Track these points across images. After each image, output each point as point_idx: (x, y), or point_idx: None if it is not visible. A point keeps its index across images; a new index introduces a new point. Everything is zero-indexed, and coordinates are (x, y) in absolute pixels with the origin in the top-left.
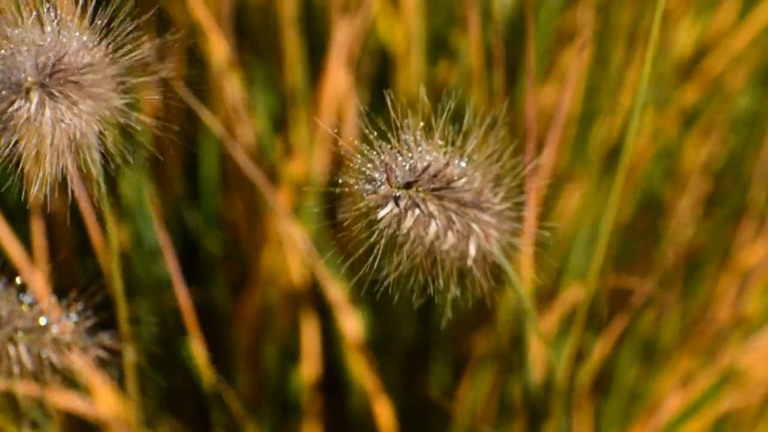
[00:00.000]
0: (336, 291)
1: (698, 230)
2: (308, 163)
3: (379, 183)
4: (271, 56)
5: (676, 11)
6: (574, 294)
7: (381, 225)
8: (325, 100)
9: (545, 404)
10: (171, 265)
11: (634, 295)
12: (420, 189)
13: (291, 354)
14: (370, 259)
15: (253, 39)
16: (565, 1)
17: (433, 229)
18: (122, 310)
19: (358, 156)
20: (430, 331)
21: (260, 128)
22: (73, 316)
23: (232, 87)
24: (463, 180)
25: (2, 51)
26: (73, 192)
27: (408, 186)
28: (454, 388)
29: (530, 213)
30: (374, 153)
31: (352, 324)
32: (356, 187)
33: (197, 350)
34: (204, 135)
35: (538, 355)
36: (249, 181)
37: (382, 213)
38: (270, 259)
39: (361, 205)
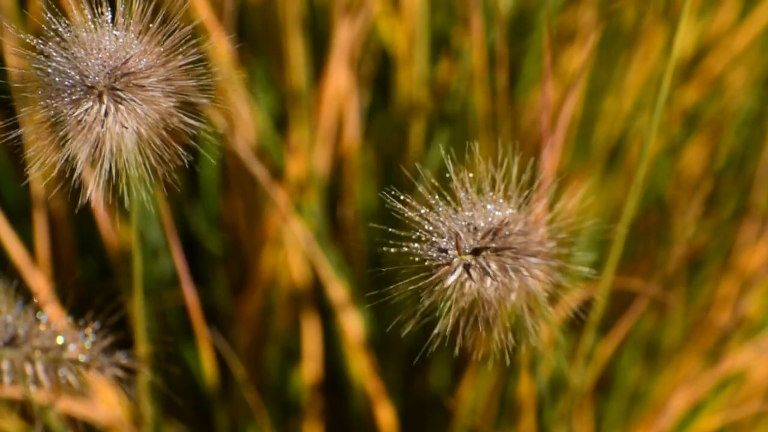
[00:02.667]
0: (337, 291)
1: (700, 231)
2: (309, 162)
3: (450, 253)
4: (272, 56)
5: (676, 11)
6: (577, 295)
7: (449, 290)
8: (327, 100)
9: (552, 405)
10: (178, 263)
11: (638, 297)
12: (487, 254)
13: (292, 354)
14: (422, 313)
15: (254, 39)
16: (565, 1)
17: (490, 281)
18: (140, 335)
19: (423, 221)
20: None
21: (261, 127)
22: (90, 335)
23: (233, 86)
24: (517, 230)
25: (76, 53)
26: (80, 191)
27: (476, 252)
28: (454, 388)
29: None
30: (436, 216)
31: (353, 324)
32: (424, 255)
33: (204, 350)
34: (205, 134)
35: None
36: (249, 180)
37: (450, 279)
38: (270, 259)
39: (434, 276)
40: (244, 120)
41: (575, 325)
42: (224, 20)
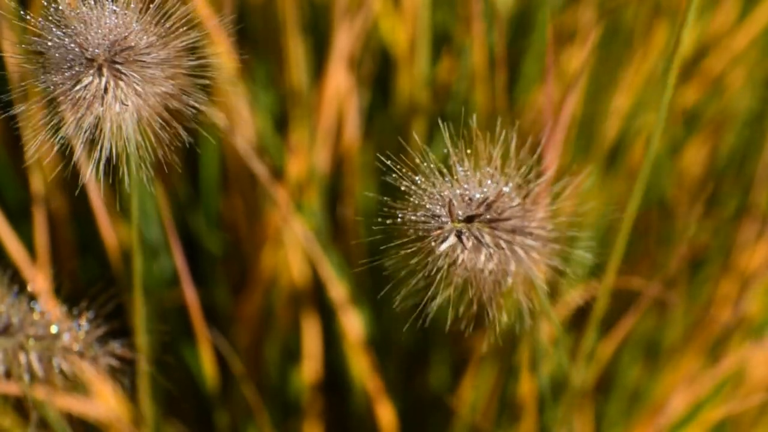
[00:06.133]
0: (337, 290)
1: (700, 230)
2: (309, 162)
3: (442, 218)
4: (272, 56)
5: (676, 11)
6: (577, 295)
7: (440, 257)
8: (327, 100)
9: (553, 405)
10: (179, 263)
11: (640, 297)
12: (480, 222)
13: (292, 354)
14: (415, 286)
15: (254, 39)
16: (565, 1)
17: (483, 255)
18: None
19: (416, 188)
20: (430, 331)
21: (261, 127)
22: (84, 325)
23: (233, 86)
24: (513, 206)
25: (76, 28)
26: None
27: (469, 220)
28: (454, 388)
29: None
30: (431, 185)
31: (353, 323)
32: (417, 221)
33: (204, 350)
34: (205, 134)
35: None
36: (249, 180)
37: (443, 246)
38: (270, 258)
39: (427, 241)
40: (244, 120)
41: (575, 324)
42: (224, 20)
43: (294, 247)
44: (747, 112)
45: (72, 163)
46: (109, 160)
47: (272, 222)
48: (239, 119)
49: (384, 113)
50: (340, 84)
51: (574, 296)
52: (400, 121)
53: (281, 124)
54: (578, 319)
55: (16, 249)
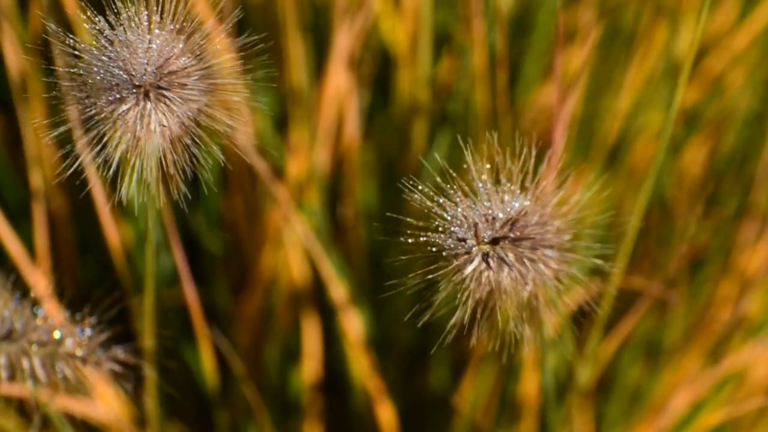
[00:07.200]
0: (337, 290)
1: (700, 231)
2: (310, 162)
3: (468, 242)
4: (272, 56)
5: (676, 11)
6: (577, 295)
7: (467, 279)
8: (327, 100)
9: (555, 404)
10: (179, 263)
11: (640, 297)
12: (505, 244)
13: (292, 354)
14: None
15: (254, 39)
16: (565, 1)
17: (506, 271)
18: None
19: (439, 211)
20: (430, 331)
21: (261, 127)
22: (87, 330)
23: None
24: (533, 221)
25: (120, 52)
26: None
27: (494, 242)
28: (454, 388)
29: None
30: (454, 206)
31: (353, 323)
32: (442, 244)
33: (204, 349)
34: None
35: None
36: (250, 180)
37: (469, 269)
38: (270, 258)
39: (453, 264)
40: (244, 120)
41: (577, 324)
42: (223, 18)
43: (294, 246)
44: (747, 112)
45: (74, 165)
46: (137, 173)
47: (272, 222)
48: (239, 119)
49: (384, 113)
50: (340, 84)
51: (575, 296)
52: (400, 121)
53: (281, 124)
54: (578, 320)
55: (16, 249)
